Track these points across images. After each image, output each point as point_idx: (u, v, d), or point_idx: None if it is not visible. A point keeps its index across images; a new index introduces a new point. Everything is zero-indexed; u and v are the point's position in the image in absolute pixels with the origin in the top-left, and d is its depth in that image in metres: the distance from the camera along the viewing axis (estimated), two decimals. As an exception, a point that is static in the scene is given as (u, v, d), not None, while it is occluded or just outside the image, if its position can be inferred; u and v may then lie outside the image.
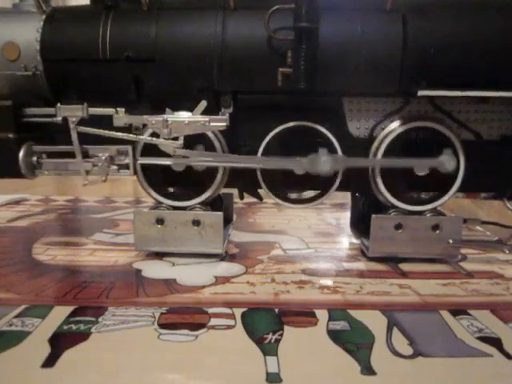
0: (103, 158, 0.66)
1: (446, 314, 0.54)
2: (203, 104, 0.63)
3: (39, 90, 0.68)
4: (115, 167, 0.68)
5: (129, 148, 0.67)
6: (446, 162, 0.64)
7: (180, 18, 0.65)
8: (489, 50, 0.61)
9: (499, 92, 0.61)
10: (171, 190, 0.73)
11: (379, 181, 0.68)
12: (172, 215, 0.69)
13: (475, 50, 0.62)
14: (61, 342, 0.46)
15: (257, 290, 0.60)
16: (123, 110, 0.64)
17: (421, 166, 0.66)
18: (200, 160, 0.66)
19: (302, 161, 0.65)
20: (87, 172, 0.67)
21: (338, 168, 0.66)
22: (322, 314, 0.54)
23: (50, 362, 0.43)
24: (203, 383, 0.41)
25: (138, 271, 0.66)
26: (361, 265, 0.71)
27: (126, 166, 0.68)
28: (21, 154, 0.66)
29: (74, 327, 0.49)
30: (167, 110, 0.64)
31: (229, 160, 0.67)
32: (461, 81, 0.62)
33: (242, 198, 0.76)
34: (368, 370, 0.43)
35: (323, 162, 0.63)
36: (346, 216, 0.88)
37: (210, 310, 0.54)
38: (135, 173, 0.69)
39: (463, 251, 0.73)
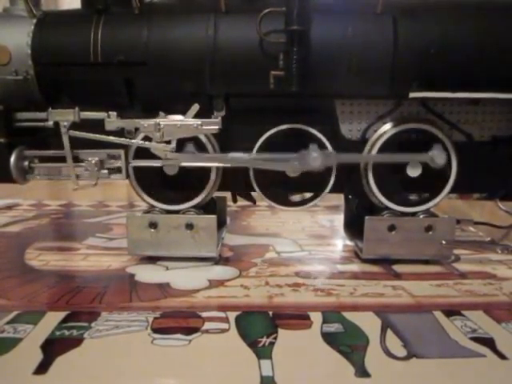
0: (93, 162, 0.66)
1: (439, 315, 0.54)
2: (195, 107, 0.63)
3: (30, 94, 0.67)
4: (105, 171, 0.67)
5: (121, 152, 0.67)
6: (436, 156, 0.65)
7: (171, 21, 0.65)
8: (479, 52, 0.62)
9: (490, 93, 0.61)
10: (164, 193, 0.72)
11: (372, 182, 0.68)
12: (165, 219, 0.69)
13: (466, 51, 0.62)
14: (53, 348, 0.46)
15: (251, 294, 0.60)
16: (115, 113, 0.64)
17: (411, 161, 0.66)
18: (190, 159, 0.66)
19: (292, 157, 0.65)
20: (77, 176, 0.67)
21: (328, 164, 0.66)
22: (316, 317, 0.53)
23: (42, 368, 0.43)
24: (197, 388, 0.41)
25: (132, 276, 0.66)
26: (354, 267, 0.71)
27: (119, 170, 0.68)
28: (12, 158, 0.65)
29: (66, 333, 0.49)
30: (160, 113, 0.64)
31: (219, 159, 0.67)
32: (452, 82, 0.62)
33: (235, 201, 0.76)
34: (362, 372, 0.43)
35: (313, 158, 0.63)
36: (339, 218, 0.88)
37: (204, 314, 0.54)
38: (128, 177, 0.68)
39: (456, 252, 0.73)
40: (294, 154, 0.65)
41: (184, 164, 0.66)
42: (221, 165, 0.68)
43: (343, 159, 0.67)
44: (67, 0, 0.75)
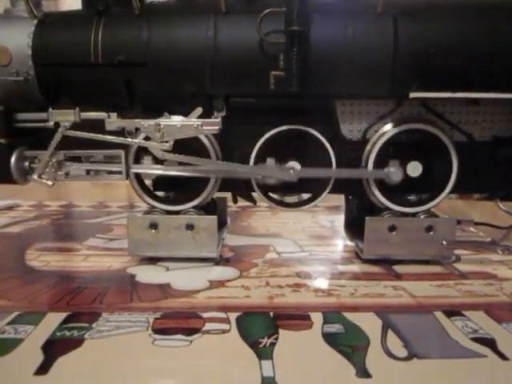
0: (50, 163, 0.65)
1: (440, 316, 0.54)
2: (198, 110, 0.63)
3: (31, 95, 0.67)
4: (62, 173, 0.67)
5: (121, 152, 0.67)
6: (392, 173, 0.66)
7: (172, 22, 0.65)
8: (480, 52, 0.62)
9: (490, 93, 0.61)
10: (164, 194, 0.72)
11: (372, 183, 0.68)
12: (166, 220, 0.69)
13: (466, 51, 0.62)
14: (54, 349, 0.46)
15: (251, 294, 0.60)
16: (115, 114, 0.64)
17: (370, 177, 0.67)
18: (192, 170, 0.66)
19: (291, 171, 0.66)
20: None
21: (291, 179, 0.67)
22: (316, 317, 0.53)
23: (43, 369, 0.43)
24: (198, 388, 0.41)
25: (132, 276, 0.66)
26: (355, 267, 0.71)
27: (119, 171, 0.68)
28: (13, 159, 0.65)
29: (67, 333, 0.49)
30: (165, 114, 0.64)
31: (221, 169, 0.67)
32: (452, 82, 0.62)
33: (235, 201, 0.76)
34: (363, 372, 0.43)
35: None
36: (340, 218, 0.88)
37: (205, 315, 0.54)
38: (128, 177, 0.68)
39: (457, 252, 0.73)
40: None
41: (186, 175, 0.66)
42: (222, 175, 0.68)
43: (307, 174, 0.67)
44: (68, 1, 0.75)
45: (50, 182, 0.66)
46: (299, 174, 0.66)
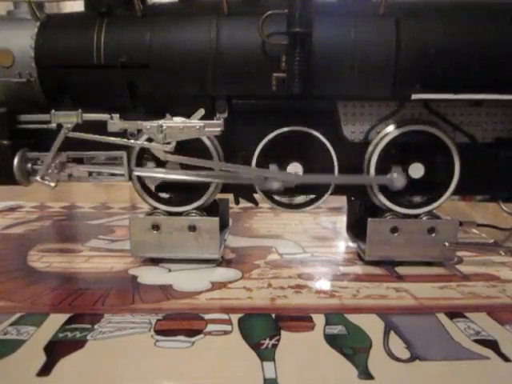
0: (52, 164, 0.66)
1: (442, 317, 0.54)
2: (201, 112, 0.63)
3: (34, 96, 0.68)
4: (65, 173, 0.67)
5: (123, 154, 0.67)
6: (396, 180, 0.66)
7: (174, 23, 0.65)
8: (482, 53, 0.62)
9: (493, 95, 0.61)
10: (167, 195, 0.72)
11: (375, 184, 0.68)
12: (168, 221, 0.69)
13: (468, 53, 0.62)
14: (56, 350, 0.46)
15: (253, 295, 0.60)
16: (118, 115, 0.64)
17: (372, 183, 0.68)
18: (195, 175, 0.66)
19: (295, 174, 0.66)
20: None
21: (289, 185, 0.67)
22: (318, 319, 0.53)
23: (45, 370, 0.43)
24: (200, 390, 0.41)
25: (134, 277, 0.66)
26: (357, 268, 0.71)
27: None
28: (15, 160, 0.65)
29: (69, 335, 0.49)
30: (167, 115, 0.64)
31: (223, 175, 0.67)
32: (454, 84, 0.62)
33: (237, 202, 0.76)
34: (365, 374, 0.43)
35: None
36: (342, 220, 0.88)
37: (207, 316, 0.54)
38: (130, 179, 0.69)
39: (459, 254, 0.73)
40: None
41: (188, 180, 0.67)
42: (224, 180, 0.68)
43: (307, 180, 0.68)
44: (70, 3, 0.75)
45: (52, 184, 0.66)
46: (302, 179, 0.67)
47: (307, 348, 0.47)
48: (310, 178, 0.67)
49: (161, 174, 0.67)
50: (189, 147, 0.66)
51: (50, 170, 0.66)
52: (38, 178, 0.66)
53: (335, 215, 1.06)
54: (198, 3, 0.68)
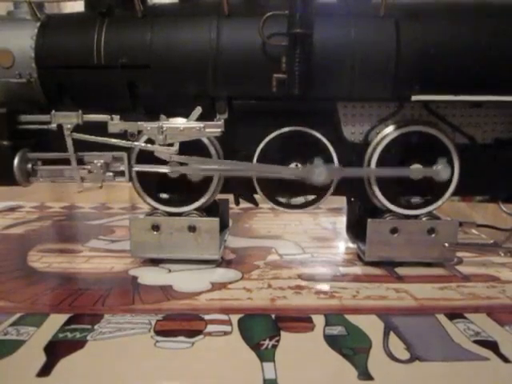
0: (98, 164, 0.66)
1: (442, 318, 0.54)
2: (198, 110, 0.63)
3: (34, 96, 0.68)
4: (111, 174, 0.68)
5: (124, 154, 0.67)
6: (441, 171, 0.65)
7: (174, 24, 0.65)
8: (482, 54, 0.62)
9: (493, 96, 0.61)
10: (167, 196, 0.72)
11: (374, 185, 0.68)
12: (168, 221, 0.69)
13: (468, 54, 0.62)
14: (56, 351, 0.46)
15: (253, 296, 0.60)
16: (118, 116, 0.64)
17: (416, 175, 0.66)
18: (196, 168, 0.66)
19: (297, 170, 0.65)
20: (82, 179, 0.67)
21: (332, 178, 0.67)
22: (318, 320, 0.53)
23: (45, 370, 0.43)
24: (200, 390, 0.41)
25: (134, 278, 0.66)
26: (357, 269, 0.71)
27: (122, 173, 0.68)
28: (15, 161, 0.66)
29: (69, 335, 0.49)
30: (161, 116, 0.64)
31: (224, 168, 0.67)
32: (454, 85, 0.62)
33: (237, 203, 0.76)
34: (365, 374, 0.43)
35: (318, 173, 0.63)
36: (342, 220, 0.88)
37: (207, 317, 0.54)
38: (131, 179, 0.69)
39: (459, 254, 0.73)
40: (299, 168, 0.66)
41: (189, 172, 0.66)
42: (225, 173, 0.68)
43: (347, 173, 0.67)
44: (70, 3, 0.75)
45: (98, 184, 0.68)
46: (340, 172, 0.67)
47: (307, 349, 0.47)
48: (350, 172, 0.68)
49: (159, 169, 0.67)
50: (188, 147, 0.66)
51: (95, 171, 0.67)
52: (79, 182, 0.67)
53: (335, 216, 1.06)
54: (198, 4, 0.68)
